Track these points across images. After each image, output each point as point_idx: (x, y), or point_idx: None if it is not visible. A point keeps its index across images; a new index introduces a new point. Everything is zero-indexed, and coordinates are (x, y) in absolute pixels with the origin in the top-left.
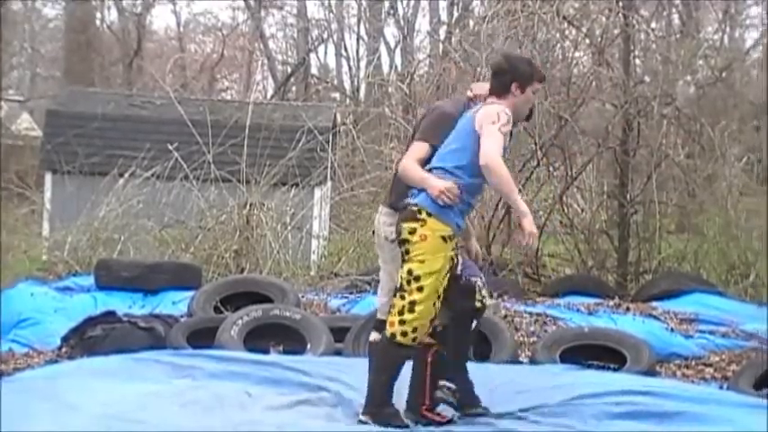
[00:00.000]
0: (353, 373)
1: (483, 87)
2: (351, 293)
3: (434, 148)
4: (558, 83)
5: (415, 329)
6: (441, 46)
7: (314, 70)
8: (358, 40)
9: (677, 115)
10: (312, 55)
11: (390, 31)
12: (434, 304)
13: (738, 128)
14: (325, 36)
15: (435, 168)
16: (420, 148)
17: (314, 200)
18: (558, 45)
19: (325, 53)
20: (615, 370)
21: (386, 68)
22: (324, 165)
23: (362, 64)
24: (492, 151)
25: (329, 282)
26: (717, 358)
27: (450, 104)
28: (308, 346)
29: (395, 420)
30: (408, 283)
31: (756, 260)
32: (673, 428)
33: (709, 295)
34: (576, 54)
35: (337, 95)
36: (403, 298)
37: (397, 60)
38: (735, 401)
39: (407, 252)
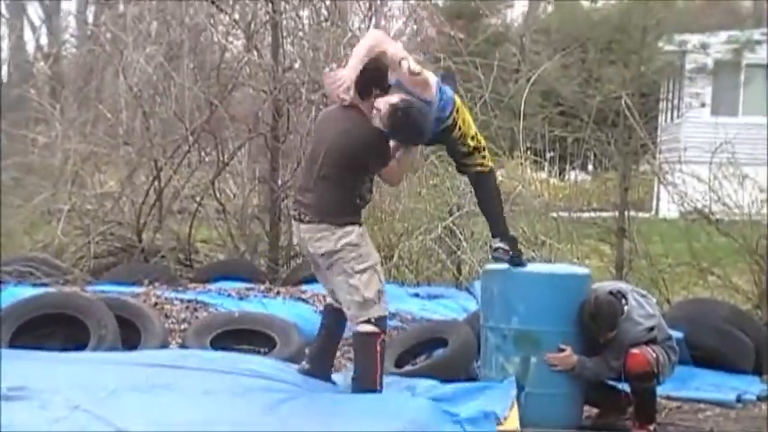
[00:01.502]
0: None
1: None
2: None
3: None
4: (209, 68)
5: None
6: (87, 27)
7: None
8: None
9: (324, 101)
10: None
11: (34, 10)
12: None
13: None
14: None
15: None
16: None
17: None
18: (209, 30)
19: None
20: (265, 353)
21: (30, 48)
22: None
23: (4, 43)
24: None
25: None
26: None
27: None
28: None
29: None
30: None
31: (398, 241)
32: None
33: None
34: (229, 39)
35: None
36: None
37: (43, 40)
38: None
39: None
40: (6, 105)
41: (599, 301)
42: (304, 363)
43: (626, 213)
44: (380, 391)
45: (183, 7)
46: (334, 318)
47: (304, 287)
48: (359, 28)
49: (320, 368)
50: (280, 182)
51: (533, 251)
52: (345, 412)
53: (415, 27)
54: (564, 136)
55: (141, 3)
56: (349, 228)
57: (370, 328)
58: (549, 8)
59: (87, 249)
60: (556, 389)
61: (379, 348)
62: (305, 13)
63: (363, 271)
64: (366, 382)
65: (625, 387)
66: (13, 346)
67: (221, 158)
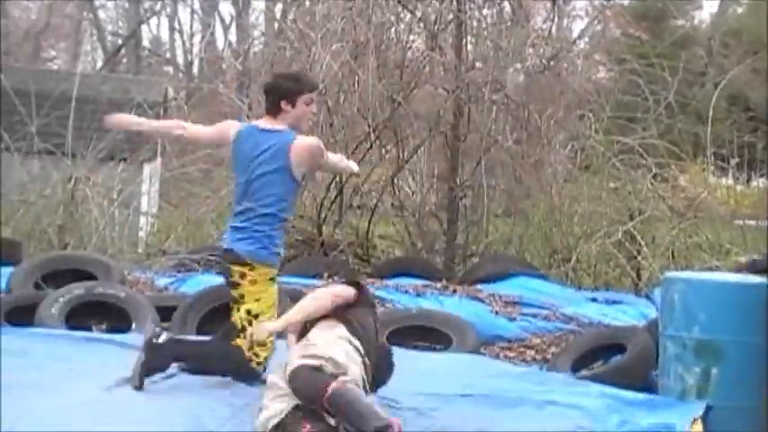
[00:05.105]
0: None
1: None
2: (179, 272)
3: None
4: (392, 66)
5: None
6: (276, 24)
7: (146, 43)
8: (192, 14)
9: (506, 102)
10: (144, 27)
11: (225, 7)
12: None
13: (564, 116)
14: (157, 8)
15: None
16: None
17: (143, 176)
18: (393, 28)
19: (158, 26)
20: (441, 351)
21: (220, 44)
22: (154, 140)
23: (196, 39)
24: None
25: (157, 259)
26: (538, 341)
27: None
28: (133, 324)
29: None
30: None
31: (577, 244)
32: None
33: (532, 279)
34: (411, 38)
35: (170, 69)
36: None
37: (232, 37)
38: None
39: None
40: (198, 99)
41: None
42: None
43: None
44: None
45: (370, 6)
46: None
47: (480, 286)
48: (542, 28)
49: None
50: (458, 180)
51: (717, 260)
52: None
53: (599, 27)
54: (753, 142)
55: (330, 1)
56: None
57: None
58: (740, 10)
59: None
60: (739, 401)
61: None
62: (489, 12)
63: None
64: None
65: None
66: (200, 333)
67: (401, 156)
